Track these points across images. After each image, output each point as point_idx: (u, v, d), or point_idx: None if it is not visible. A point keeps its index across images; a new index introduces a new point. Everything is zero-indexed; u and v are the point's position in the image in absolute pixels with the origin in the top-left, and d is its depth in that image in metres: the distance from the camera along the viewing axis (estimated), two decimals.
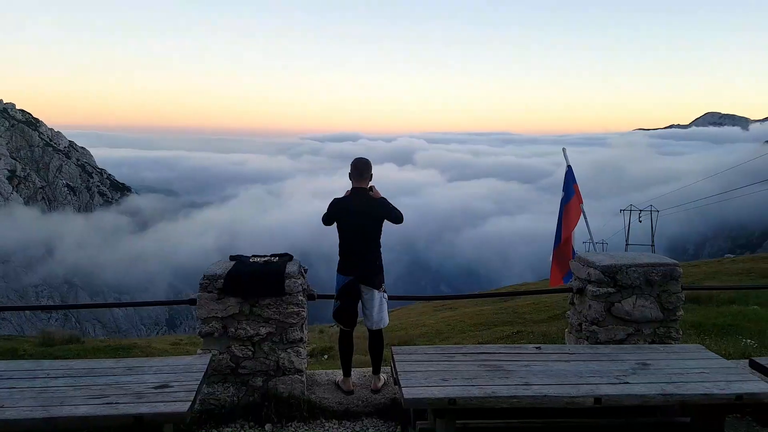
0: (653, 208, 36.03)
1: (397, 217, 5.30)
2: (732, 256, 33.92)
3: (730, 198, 55.41)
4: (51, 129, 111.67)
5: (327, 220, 5.28)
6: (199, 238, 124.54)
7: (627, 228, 36.94)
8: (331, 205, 5.27)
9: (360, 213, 5.16)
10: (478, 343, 11.40)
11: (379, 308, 5.21)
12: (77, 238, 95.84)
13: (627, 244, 38.21)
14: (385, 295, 5.32)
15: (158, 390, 3.62)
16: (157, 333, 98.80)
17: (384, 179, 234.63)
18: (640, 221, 36.60)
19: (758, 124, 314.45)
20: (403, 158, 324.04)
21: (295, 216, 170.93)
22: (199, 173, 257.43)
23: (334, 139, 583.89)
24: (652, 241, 37.23)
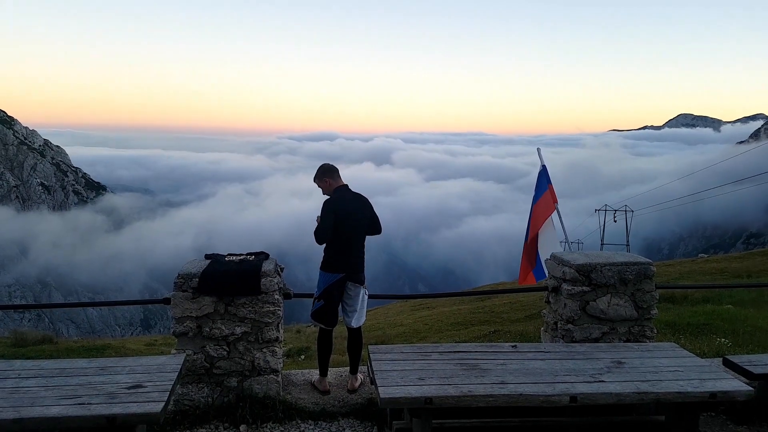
0: (628, 208, 36.63)
1: (378, 230, 5.41)
2: (705, 255, 34.68)
3: (704, 198, 56.65)
4: (26, 127, 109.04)
5: (328, 227, 4.97)
6: (176, 238, 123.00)
7: (602, 228, 37.46)
8: (330, 210, 5.01)
9: (356, 210, 5.16)
10: (455, 342, 11.44)
11: (361, 305, 5.23)
12: (51, 238, 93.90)
13: (602, 244, 38.78)
14: (367, 292, 5.31)
15: (131, 390, 3.56)
16: (132, 333, 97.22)
17: (362, 179, 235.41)
18: (615, 221, 37.16)
19: (729, 125, 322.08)
20: (380, 158, 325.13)
21: (272, 215, 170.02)
22: (175, 172, 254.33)
23: (311, 138, 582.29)
24: (627, 241, 37.86)
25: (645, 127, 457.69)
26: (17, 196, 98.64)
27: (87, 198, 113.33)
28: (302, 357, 12.79)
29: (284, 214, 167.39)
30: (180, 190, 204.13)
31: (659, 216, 38.27)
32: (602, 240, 38.38)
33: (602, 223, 37.41)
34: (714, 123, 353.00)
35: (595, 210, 38.23)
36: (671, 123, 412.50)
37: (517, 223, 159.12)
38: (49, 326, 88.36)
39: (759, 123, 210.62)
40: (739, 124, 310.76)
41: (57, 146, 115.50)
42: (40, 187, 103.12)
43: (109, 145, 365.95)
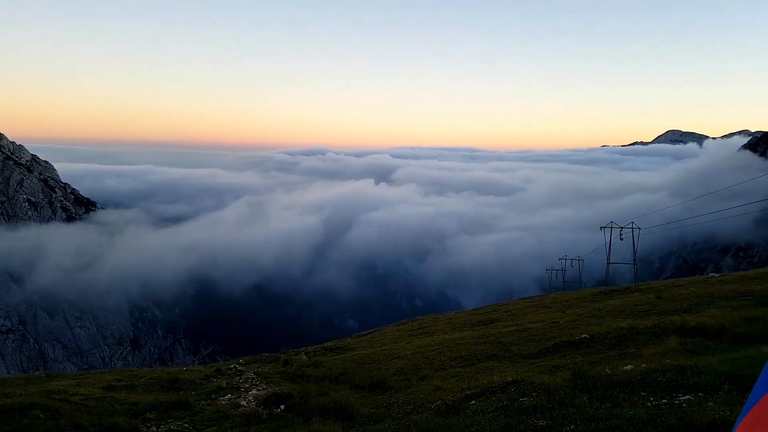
0: (635, 226, 36.21)
1: None
2: (717, 275, 34.20)
3: (695, 216, 56.60)
4: (12, 142, 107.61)
5: None
6: (167, 255, 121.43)
7: (608, 245, 36.96)
8: None
9: None
10: (465, 395, 10.40)
11: None
12: (38, 255, 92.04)
13: (608, 263, 38.28)
14: None
15: None
16: (121, 354, 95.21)
17: (360, 195, 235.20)
18: (622, 239, 36.75)
19: (712, 140, 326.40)
20: (378, 174, 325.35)
21: (268, 231, 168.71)
22: (167, 188, 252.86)
23: (303, 153, 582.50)
24: (635, 259, 37.37)
25: (635, 143, 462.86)
26: (2, 213, 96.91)
27: (76, 214, 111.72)
28: None
29: (280, 230, 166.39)
30: (172, 206, 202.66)
31: (645, 229, 38.15)
32: (608, 258, 37.88)
33: (608, 240, 36.91)
34: (701, 139, 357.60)
35: (601, 227, 37.79)
36: (660, 139, 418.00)
37: (513, 241, 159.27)
38: (35, 347, 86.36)
39: (743, 138, 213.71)
40: (722, 139, 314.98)
41: (45, 161, 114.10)
42: (27, 204, 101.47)
43: (99, 160, 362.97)
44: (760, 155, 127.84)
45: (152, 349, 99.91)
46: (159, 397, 13.24)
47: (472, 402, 9.88)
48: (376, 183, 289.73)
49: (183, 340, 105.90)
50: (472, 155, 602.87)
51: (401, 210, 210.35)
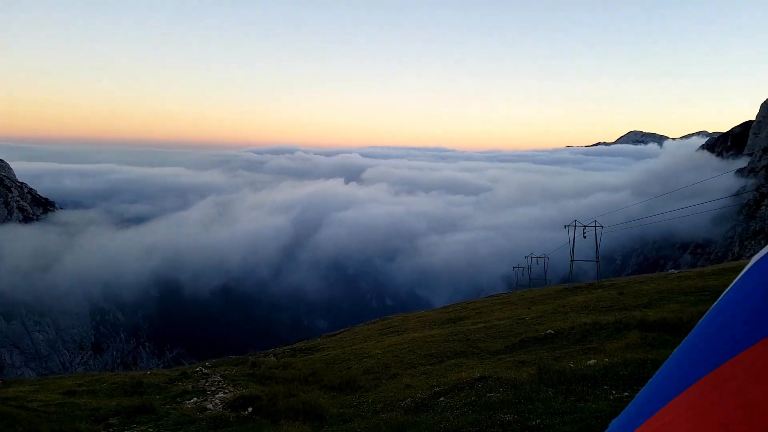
0: (597, 224, 37.26)
1: None
2: (676, 271, 35.42)
3: (656, 214, 58.45)
4: None
5: None
6: (128, 256, 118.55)
7: (572, 243, 37.89)
8: None
9: None
10: (434, 392, 10.57)
11: None
12: None
13: (572, 261, 39.20)
14: None
15: None
16: (82, 358, 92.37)
17: (330, 194, 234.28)
18: (585, 237, 37.73)
19: (672, 141, 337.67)
20: (348, 173, 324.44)
21: (235, 231, 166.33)
22: (130, 188, 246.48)
23: (272, 151, 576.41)
24: (597, 257, 38.42)
25: (598, 144, 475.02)
26: None
27: (33, 215, 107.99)
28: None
29: (249, 231, 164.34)
30: (134, 206, 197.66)
31: (608, 227, 39.43)
32: (572, 256, 38.82)
33: (572, 239, 37.85)
34: (661, 139, 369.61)
35: (565, 226, 38.77)
36: (622, 139, 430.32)
37: (482, 239, 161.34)
38: None
39: (701, 139, 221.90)
40: (681, 140, 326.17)
41: (0, 160, 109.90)
42: None
43: (57, 159, 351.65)
44: (717, 155, 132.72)
45: (115, 353, 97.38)
46: (122, 402, 12.93)
47: (441, 399, 9.97)
48: (346, 182, 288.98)
49: (147, 344, 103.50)
50: (441, 155, 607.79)
51: (371, 209, 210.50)
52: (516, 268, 61.65)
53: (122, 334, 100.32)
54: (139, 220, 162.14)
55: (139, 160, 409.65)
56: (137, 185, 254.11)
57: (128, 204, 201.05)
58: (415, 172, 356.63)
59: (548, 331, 16.41)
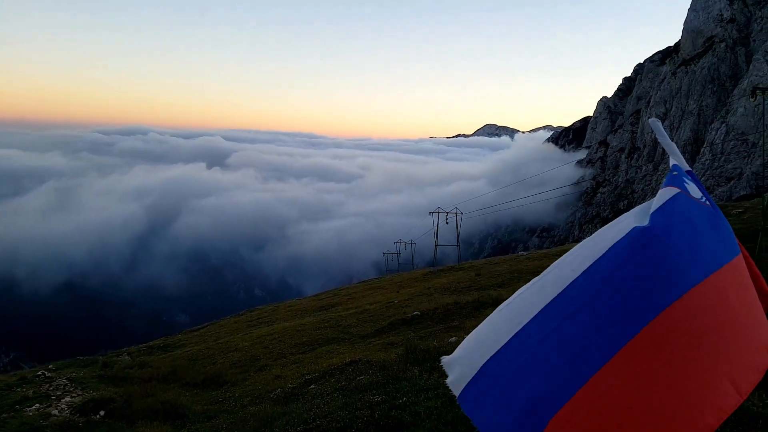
0: (458, 211, 39.68)
1: None
2: (526, 253, 38.87)
3: (511, 201, 63.91)
4: None
5: None
6: None
7: (436, 229, 40.01)
8: None
9: None
10: (304, 380, 10.49)
11: None
12: None
13: (436, 245, 41.38)
14: None
15: None
16: None
17: (190, 180, 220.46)
18: (447, 223, 40.06)
19: (522, 134, 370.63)
20: (210, 158, 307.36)
21: (79, 221, 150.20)
22: None
23: (120, 132, 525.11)
24: (458, 241, 40.96)
25: (458, 135, 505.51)
26: None
27: None
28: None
29: (96, 221, 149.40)
30: None
31: (467, 213, 42.68)
32: (436, 240, 40.96)
33: (436, 224, 39.98)
34: (513, 132, 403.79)
35: (429, 213, 40.82)
36: (479, 132, 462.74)
37: (352, 227, 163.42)
38: None
39: (547, 133, 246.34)
40: (530, 133, 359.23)
41: None
42: None
43: None
44: (560, 148, 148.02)
45: None
46: None
47: (312, 386, 9.95)
48: (209, 167, 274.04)
49: None
50: (311, 141, 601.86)
51: (237, 196, 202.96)
52: (386, 254, 63.70)
53: None
54: None
55: None
56: None
57: None
58: (285, 158, 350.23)
59: (415, 313, 17.15)
